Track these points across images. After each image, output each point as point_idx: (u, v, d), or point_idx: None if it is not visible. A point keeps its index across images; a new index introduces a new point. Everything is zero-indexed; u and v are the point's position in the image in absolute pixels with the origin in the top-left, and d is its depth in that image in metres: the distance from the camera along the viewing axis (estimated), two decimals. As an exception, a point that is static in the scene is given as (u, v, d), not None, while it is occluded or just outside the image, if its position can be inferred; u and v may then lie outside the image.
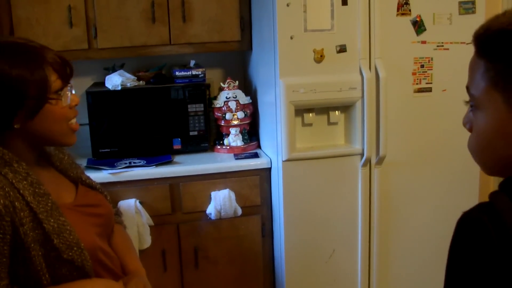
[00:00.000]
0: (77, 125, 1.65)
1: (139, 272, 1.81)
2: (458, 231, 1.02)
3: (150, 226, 3.00)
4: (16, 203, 1.43)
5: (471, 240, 0.99)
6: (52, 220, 1.49)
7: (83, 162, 3.19)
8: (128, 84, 3.20)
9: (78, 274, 1.53)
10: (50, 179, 1.64)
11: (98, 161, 3.16)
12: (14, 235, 1.43)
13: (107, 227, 1.77)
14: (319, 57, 2.90)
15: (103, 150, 3.20)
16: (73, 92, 1.62)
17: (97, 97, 3.20)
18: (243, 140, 3.31)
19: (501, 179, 1.07)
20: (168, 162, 3.13)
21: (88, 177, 1.84)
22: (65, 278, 1.51)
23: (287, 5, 2.84)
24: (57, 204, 1.53)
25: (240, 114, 3.30)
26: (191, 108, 3.24)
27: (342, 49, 2.93)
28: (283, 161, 2.96)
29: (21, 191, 1.46)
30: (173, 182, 3.06)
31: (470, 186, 3.20)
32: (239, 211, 3.10)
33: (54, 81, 1.52)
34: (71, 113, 1.61)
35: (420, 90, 3.06)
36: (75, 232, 1.52)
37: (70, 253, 1.50)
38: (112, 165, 3.07)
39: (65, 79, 1.56)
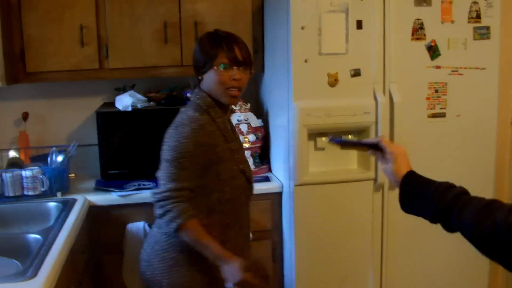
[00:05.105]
0: (234, 92, 2.16)
1: None
2: None
3: (158, 250, 2.95)
4: (217, 132, 2.16)
5: None
6: (234, 144, 2.24)
7: (91, 183, 3.15)
8: (139, 105, 3.17)
9: (245, 185, 2.27)
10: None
11: (107, 183, 3.12)
12: (211, 153, 2.12)
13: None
14: (333, 81, 2.88)
15: (112, 172, 3.17)
16: (242, 72, 2.15)
17: (107, 117, 3.17)
18: (254, 164, 3.27)
19: None
20: (178, 184, 3.08)
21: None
22: (238, 188, 2.23)
23: (302, 28, 2.82)
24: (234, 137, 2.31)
25: (252, 137, 3.26)
26: (202, 130, 3.22)
27: (356, 73, 2.91)
28: (295, 185, 2.92)
29: (218, 124, 2.18)
30: (183, 205, 3.00)
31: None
32: (250, 236, 3.04)
33: (222, 58, 2.12)
34: (229, 82, 2.13)
35: (434, 115, 3.03)
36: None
37: (242, 166, 2.25)
38: (121, 187, 3.03)
39: (231, 62, 2.13)
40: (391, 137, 2.95)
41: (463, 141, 3.09)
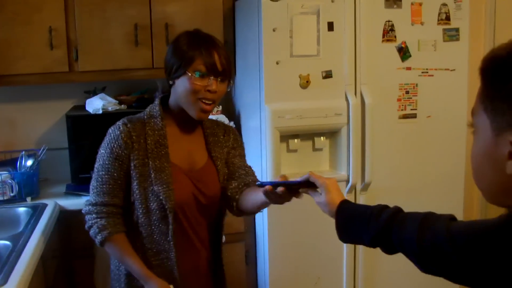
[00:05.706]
0: (207, 105, 1.91)
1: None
2: None
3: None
4: (135, 145, 1.92)
5: None
6: (158, 162, 1.92)
7: (62, 188, 3.11)
8: (110, 108, 3.14)
9: (162, 212, 1.91)
10: (187, 142, 2.03)
11: (78, 187, 3.08)
12: (128, 167, 1.91)
13: (208, 208, 2.08)
14: (305, 83, 2.88)
15: (83, 176, 3.12)
16: (219, 83, 1.91)
17: (77, 120, 3.13)
18: (226, 166, 3.26)
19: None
20: (150, 188, 3.06)
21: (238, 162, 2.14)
22: (154, 213, 1.92)
23: (274, 30, 2.82)
24: (169, 155, 1.95)
25: (224, 139, 3.25)
26: (174, 132, 3.19)
27: (328, 74, 2.92)
28: (268, 187, 2.91)
29: (146, 136, 1.93)
30: (155, 209, 2.98)
31: (454, 212, 3.18)
32: (223, 239, 3.03)
33: (199, 64, 1.88)
34: (203, 92, 1.88)
35: (405, 116, 3.06)
36: (172, 177, 1.93)
37: (158, 188, 1.90)
38: (92, 191, 2.99)
39: (209, 70, 1.88)
40: (363, 139, 2.97)
41: (434, 141, 3.12)
